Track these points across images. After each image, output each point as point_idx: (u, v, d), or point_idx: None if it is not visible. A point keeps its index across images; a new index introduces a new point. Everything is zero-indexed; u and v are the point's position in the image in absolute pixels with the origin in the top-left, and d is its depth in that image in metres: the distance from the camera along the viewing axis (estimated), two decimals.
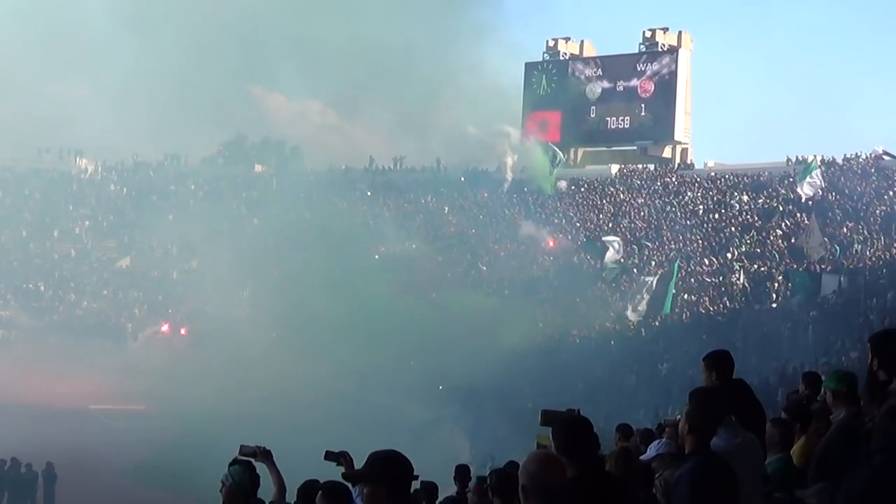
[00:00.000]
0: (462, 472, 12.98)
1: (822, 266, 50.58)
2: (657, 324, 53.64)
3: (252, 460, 9.14)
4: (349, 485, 7.16)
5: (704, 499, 6.88)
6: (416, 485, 13.25)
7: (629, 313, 54.69)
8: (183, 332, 67.33)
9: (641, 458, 10.45)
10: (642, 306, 54.60)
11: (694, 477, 6.99)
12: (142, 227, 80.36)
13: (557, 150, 73.25)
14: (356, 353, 55.02)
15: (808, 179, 57.28)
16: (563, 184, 72.61)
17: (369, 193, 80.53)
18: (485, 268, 66.67)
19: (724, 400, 8.35)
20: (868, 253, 50.86)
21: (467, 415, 50.20)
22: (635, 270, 58.97)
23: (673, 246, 60.39)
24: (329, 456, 9.23)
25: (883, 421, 6.49)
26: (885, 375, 6.95)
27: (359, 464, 6.28)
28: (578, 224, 67.44)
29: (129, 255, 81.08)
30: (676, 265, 55.74)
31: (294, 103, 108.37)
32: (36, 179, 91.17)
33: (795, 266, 52.64)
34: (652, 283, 55.06)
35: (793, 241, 54.78)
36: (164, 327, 70.23)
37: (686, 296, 55.22)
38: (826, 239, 51.16)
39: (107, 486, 40.03)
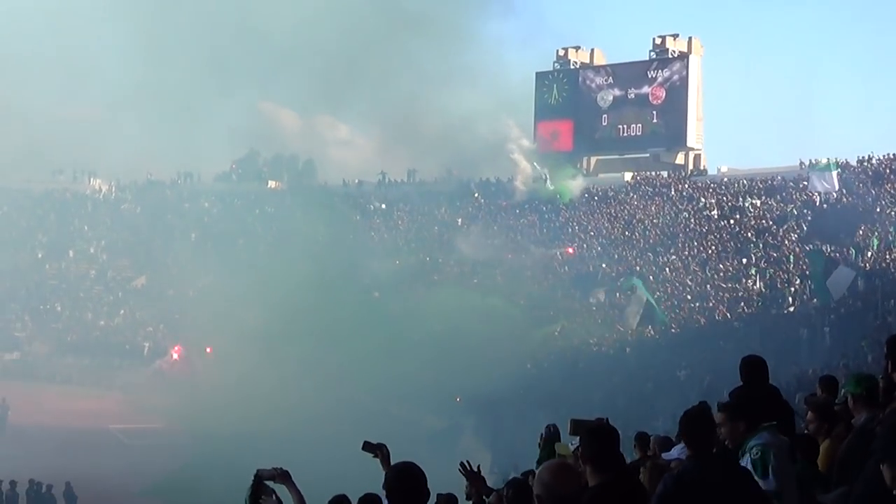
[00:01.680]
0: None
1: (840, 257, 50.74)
2: (674, 331, 53.61)
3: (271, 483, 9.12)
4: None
5: (667, 502, 6.95)
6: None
7: (631, 322, 55.41)
8: (208, 350, 67.28)
9: (663, 455, 10.44)
10: (637, 318, 55.29)
11: (667, 481, 7.08)
12: (156, 246, 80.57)
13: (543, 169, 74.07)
14: (373, 365, 55.10)
15: (823, 175, 57.33)
16: (578, 183, 72.82)
17: (383, 206, 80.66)
18: (500, 278, 66.60)
19: (756, 405, 8.38)
20: (885, 255, 50.74)
21: (486, 425, 50.21)
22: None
23: (687, 252, 60.35)
24: (367, 447, 9.18)
25: (883, 427, 6.49)
26: None
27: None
28: (593, 233, 67.39)
29: (144, 274, 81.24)
30: (638, 281, 56.57)
31: (305, 118, 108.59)
32: (50, 201, 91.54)
33: (812, 247, 53.10)
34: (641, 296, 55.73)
35: (809, 246, 54.70)
36: (176, 350, 70.14)
37: (702, 302, 55.20)
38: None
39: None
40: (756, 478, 7.56)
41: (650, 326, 55.01)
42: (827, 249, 52.77)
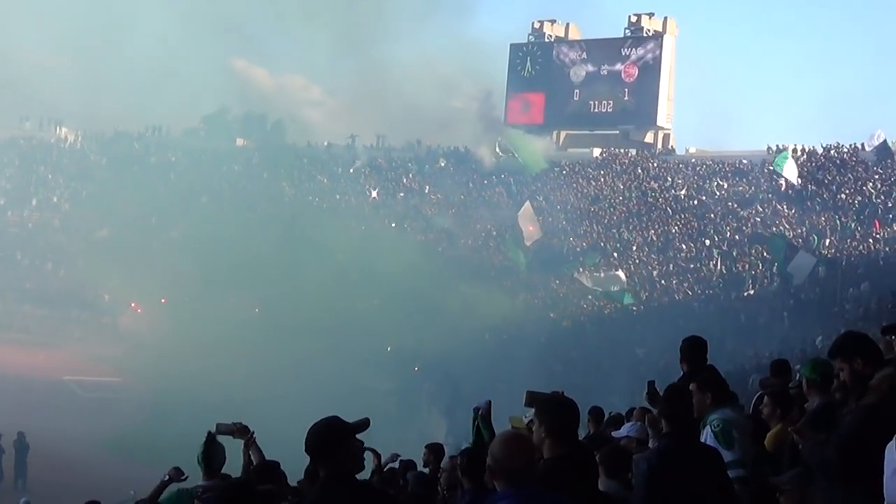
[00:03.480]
0: (435, 451, 13.02)
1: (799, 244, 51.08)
2: (634, 308, 53.83)
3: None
4: None
5: (657, 480, 6.99)
6: (394, 463, 13.39)
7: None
8: (162, 301, 66.93)
9: (613, 434, 10.58)
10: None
11: (651, 458, 7.09)
12: (121, 198, 79.89)
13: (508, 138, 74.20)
14: (333, 327, 55.09)
15: (786, 164, 57.41)
16: (544, 144, 73.05)
17: (351, 171, 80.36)
18: (464, 248, 66.60)
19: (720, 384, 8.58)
20: (847, 243, 51.14)
21: (444, 395, 50.35)
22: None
23: (651, 231, 60.54)
24: (221, 430, 9.14)
25: (854, 415, 6.62)
26: (870, 370, 7.00)
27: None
28: (559, 207, 67.39)
29: (107, 226, 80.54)
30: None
31: (277, 78, 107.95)
32: (15, 147, 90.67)
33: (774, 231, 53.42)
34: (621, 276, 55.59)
35: (773, 230, 54.92)
36: (134, 305, 69.76)
37: (664, 281, 55.46)
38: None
39: (79, 458, 39.86)
40: (721, 449, 7.69)
41: (610, 304, 55.22)
42: (789, 234, 53.10)
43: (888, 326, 10.65)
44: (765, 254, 52.77)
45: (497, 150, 73.89)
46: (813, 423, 7.84)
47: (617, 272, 55.84)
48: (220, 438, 9.18)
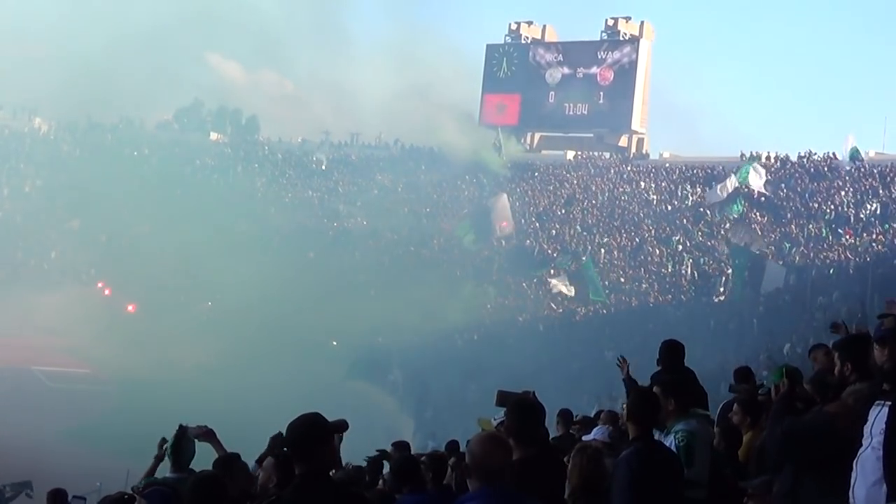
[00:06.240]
0: (403, 449, 13.01)
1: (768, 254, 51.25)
2: (604, 311, 53.94)
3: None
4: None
5: (640, 483, 6.97)
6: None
7: (562, 286, 55.40)
8: (131, 308, 66.54)
9: (583, 438, 10.58)
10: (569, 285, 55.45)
11: (632, 462, 7.06)
12: (93, 190, 79.52)
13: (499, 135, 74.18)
14: (301, 324, 54.97)
15: (751, 177, 57.41)
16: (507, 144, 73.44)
17: (324, 167, 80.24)
18: (436, 248, 66.53)
19: (689, 389, 8.53)
20: (818, 251, 51.39)
21: (413, 394, 50.35)
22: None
23: (623, 234, 60.66)
24: (189, 433, 9.15)
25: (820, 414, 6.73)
26: (853, 378, 7.09)
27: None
28: (531, 208, 67.48)
29: (78, 217, 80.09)
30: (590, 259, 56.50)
31: (251, 73, 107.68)
32: None
33: (738, 242, 53.51)
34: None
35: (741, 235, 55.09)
36: (106, 291, 69.38)
37: (635, 285, 55.57)
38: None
39: (45, 448, 39.63)
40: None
41: (581, 306, 55.29)
42: (757, 242, 53.24)
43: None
44: (736, 261, 52.95)
45: (497, 141, 74.27)
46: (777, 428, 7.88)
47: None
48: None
